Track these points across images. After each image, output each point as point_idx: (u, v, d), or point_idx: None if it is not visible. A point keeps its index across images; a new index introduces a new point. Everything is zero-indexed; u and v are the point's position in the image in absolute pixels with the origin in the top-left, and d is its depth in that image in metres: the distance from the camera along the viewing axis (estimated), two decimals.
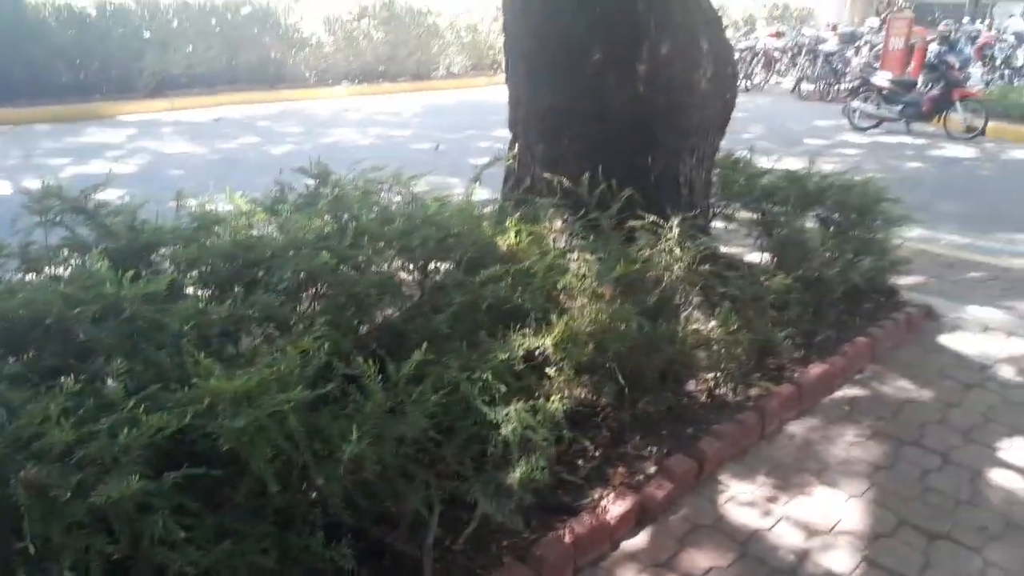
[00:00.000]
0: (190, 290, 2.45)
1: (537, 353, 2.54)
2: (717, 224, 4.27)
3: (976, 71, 15.69)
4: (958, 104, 10.73)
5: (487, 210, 3.41)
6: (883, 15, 19.84)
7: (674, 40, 3.53)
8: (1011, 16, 23.01)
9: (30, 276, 2.44)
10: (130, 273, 2.05)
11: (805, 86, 15.16)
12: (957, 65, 11.57)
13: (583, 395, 2.85)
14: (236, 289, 2.42)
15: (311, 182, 3.25)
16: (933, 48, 13.32)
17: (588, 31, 3.51)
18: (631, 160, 3.58)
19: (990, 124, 10.57)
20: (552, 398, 2.35)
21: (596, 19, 3.48)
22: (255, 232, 2.78)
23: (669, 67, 3.52)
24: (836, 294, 3.91)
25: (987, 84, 14.93)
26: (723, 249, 4.00)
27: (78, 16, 10.93)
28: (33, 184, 2.71)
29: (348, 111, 11.99)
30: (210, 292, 2.47)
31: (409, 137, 10.03)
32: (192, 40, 12.12)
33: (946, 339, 4.06)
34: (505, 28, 3.91)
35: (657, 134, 3.58)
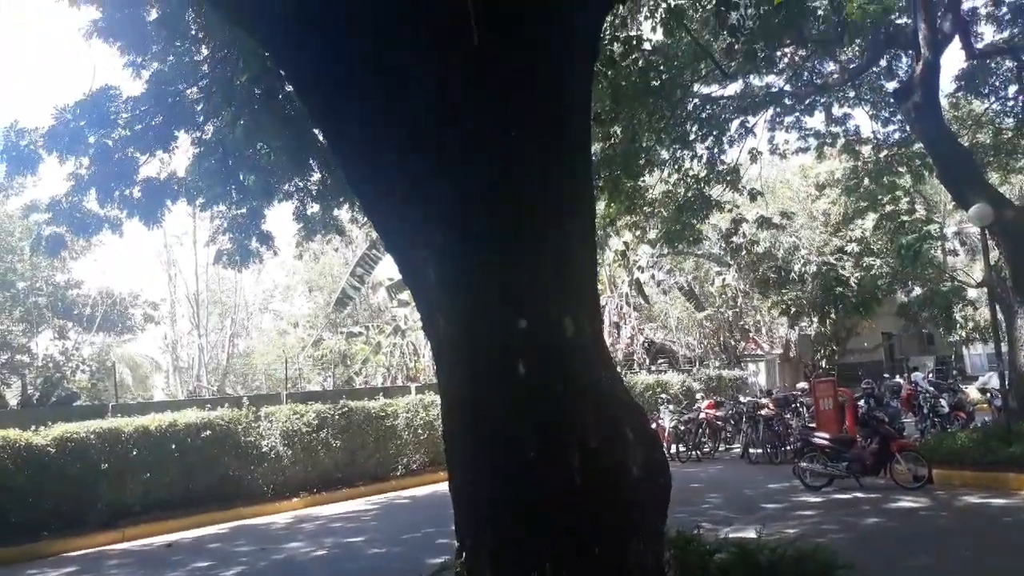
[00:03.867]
0: None
1: None
2: None
3: (909, 421, 16.60)
4: (899, 456, 11.16)
5: None
6: (810, 378, 21.39)
7: (602, 433, 3.78)
8: (927, 368, 25.08)
9: None
10: None
11: (753, 450, 15.66)
12: (887, 419, 12.27)
13: None
14: None
15: None
16: (862, 405, 14.25)
17: (521, 430, 3.76)
18: (578, 552, 3.58)
19: (934, 471, 10.91)
20: None
21: (529, 419, 3.75)
22: None
23: (600, 458, 3.72)
24: None
25: (922, 433, 15.69)
26: None
27: (37, 455, 11.08)
28: None
29: (304, 523, 11.82)
30: None
31: (366, 542, 9.82)
32: (150, 467, 12.25)
33: None
34: (444, 436, 4.15)
35: (599, 524, 3.65)
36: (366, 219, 11.76)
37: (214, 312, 32.28)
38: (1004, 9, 16.28)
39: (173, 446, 12.62)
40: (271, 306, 37.93)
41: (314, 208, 11.12)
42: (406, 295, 25.10)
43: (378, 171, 3.84)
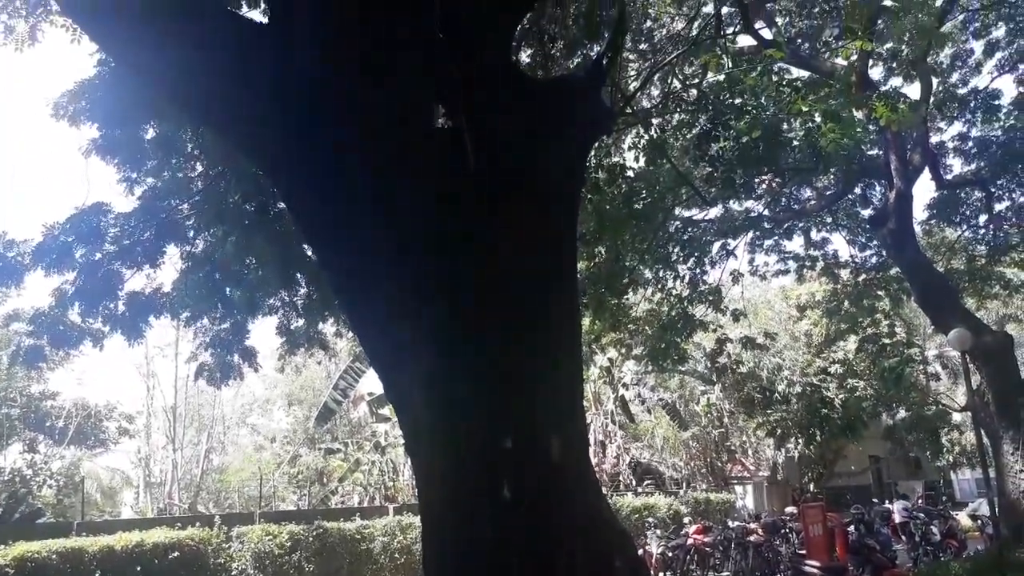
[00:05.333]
0: None
1: None
2: None
3: (900, 548, 16.16)
4: None
5: None
6: (798, 502, 20.95)
7: (589, 561, 3.65)
8: (916, 493, 24.66)
9: None
10: None
11: None
12: (879, 547, 11.96)
13: None
14: None
15: None
16: (853, 532, 13.90)
17: (505, 558, 3.62)
18: None
19: None
20: None
21: (514, 546, 3.62)
22: None
23: None
24: None
25: (915, 561, 15.24)
26: None
27: None
28: None
29: None
30: None
31: None
32: None
33: None
34: (424, 563, 3.99)
35: None
36: (352, 334, 11.73)
37: (191, 426, 31.52)
38: (970, 143, 17.07)
39: (139, 568, 12.05)
40: (249, 420, 37.14)
41: (298, 323, 11.07)
42: (387, 410, 24.73)
43: (368, 291, 3.87)
